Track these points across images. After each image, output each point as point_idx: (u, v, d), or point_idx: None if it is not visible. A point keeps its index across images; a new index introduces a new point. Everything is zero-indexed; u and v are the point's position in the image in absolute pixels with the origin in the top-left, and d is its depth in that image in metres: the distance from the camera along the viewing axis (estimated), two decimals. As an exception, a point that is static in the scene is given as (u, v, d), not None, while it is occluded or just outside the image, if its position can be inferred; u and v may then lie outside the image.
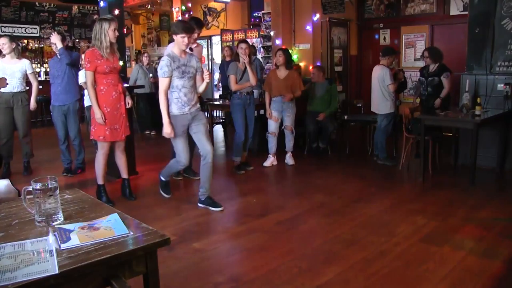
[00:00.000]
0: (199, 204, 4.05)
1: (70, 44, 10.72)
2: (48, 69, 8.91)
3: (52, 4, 11.10)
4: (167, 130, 3.76)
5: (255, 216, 3.83)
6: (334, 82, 6.78)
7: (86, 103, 5.74)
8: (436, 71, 5.50)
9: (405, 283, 2.63)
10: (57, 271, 1.24)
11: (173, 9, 9.89)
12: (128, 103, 4.13)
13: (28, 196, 1.62)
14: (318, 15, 7.53)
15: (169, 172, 4.21)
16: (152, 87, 7.92)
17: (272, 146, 5.62)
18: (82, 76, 5.06)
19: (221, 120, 8.07)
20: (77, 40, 11.70)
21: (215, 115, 8.65)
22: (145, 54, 8.47)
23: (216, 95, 9.70)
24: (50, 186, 1.57)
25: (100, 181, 4.13)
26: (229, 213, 3.98)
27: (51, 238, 1.44)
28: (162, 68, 3.69)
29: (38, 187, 1.55)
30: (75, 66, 5.10)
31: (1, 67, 4.93)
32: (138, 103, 8.18)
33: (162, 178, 4.27)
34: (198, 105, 3.96)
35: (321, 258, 2.98)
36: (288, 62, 5.52)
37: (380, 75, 5.46)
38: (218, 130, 7.83)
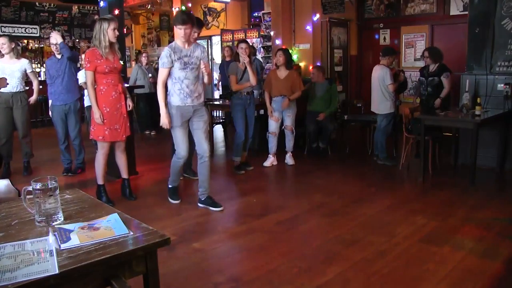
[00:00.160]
0: (199, 204, 4.05)
1: (70, 44, 10.72)
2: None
3: (52, 4, 11.10)
4: (164, 121, 3.77)
5: (255, 216, 3.83)
6: (334, 82, 6.77)
7: (86, 103, 5.74)
8: (436, 71, 5.50)
9: (405, 283, 2.63)
10: (57, 271, 1.24)
11: (173, 9, 9.89)
12: (129, 106, 4.11)
13: (28, 196, 1.62)
14: (318, 15, 7.53)
15: (174, 173, 4.10)
16: (151, 87, 7.92)
17: (272, 146, 5.62)
18: (82, 77, 5.07)
19: (221, 120, 8.06)
20: (77, 40, 11.70)
21: (215, 115, 8.65)
22: (144, 54, 8.45)
23: (216, 95, 9.70)
24: (50, 186, 1.56)
25: (100, 181, 4.13)
26: (229, 213, 3.98)
27: (51, 238, 1.44)
28: (162, 59, 3.73)
29: (38, 187, 1.55)
30: (75, 61, 5.12)
31: (1, 67, 4.94)
32: (138, 103, 8.18)
33: (170, 185, 4.18)
34: (202, 99, 3.91)
35: (321, 258, 2.98)
36: (289, 62, 5.52)
37: (380, 75, 5.47)
38: (218, 130, 7.83)
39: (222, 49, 8.83)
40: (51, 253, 1.34)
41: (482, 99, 5.00)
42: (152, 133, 8.31)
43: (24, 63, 5.12)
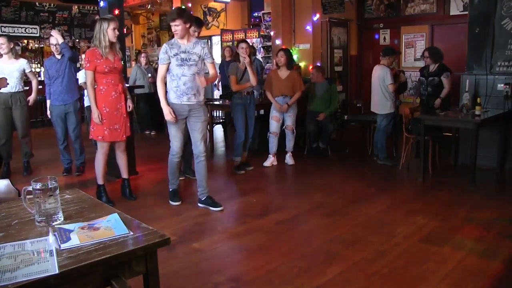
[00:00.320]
0: (199, 204, 4.05)
1: (70, 44, 10.71)
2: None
3: (52, 4, 11.10)
4: (167, 117, 3.77)
5: (255, 216, 3.83)
6: (334, 82, 6.78)
7: (86, 103, 5.75)
8: (436, 71, 5.50)
9: (405, 283, 2.63)
10: (57, 271, 1.24)
11: (173, 9, 9.88)
12: (129, 107, 4.10)
13: (28, 196, 1.62)
14: (318, 15, 7.53)
15: (171, 173, 4.09)
16: (151, 87, 7.92)
17: (272, 146, 5.62)
18: (82, 77, 5.07)
19: (221, 120, 8.07)
20: (77, 40, 11.70)
21: (215, 115, 8.65)
22: (143, 55, 8.43)
23: (216, 95, 9.70)
24: (50, 186, 1.56)
25: (100, 181, 4.13)
26: (229, 213, 3.98)
27: (51, 238, 1.44)
28: (160, 55, 3.75)
29: (38, 187, 1.55)
30: (75, 61, 5.13)
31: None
32: (138, 103, 8.18)
33: (170, 188, 4.17)
34: (201, 97, 3.86)
35: (321, 258, 2.98)
36: (290, 62, 5.53)
37: (380, 75, 5.47)
38: (218, 130, 7.83)
39: (222, 49, 8.82)
40: (51, 253, 1.34)
41: (482, 99, 5.00)
42: (152, 133, 8.31)
43: (22, 63, 5.13)
